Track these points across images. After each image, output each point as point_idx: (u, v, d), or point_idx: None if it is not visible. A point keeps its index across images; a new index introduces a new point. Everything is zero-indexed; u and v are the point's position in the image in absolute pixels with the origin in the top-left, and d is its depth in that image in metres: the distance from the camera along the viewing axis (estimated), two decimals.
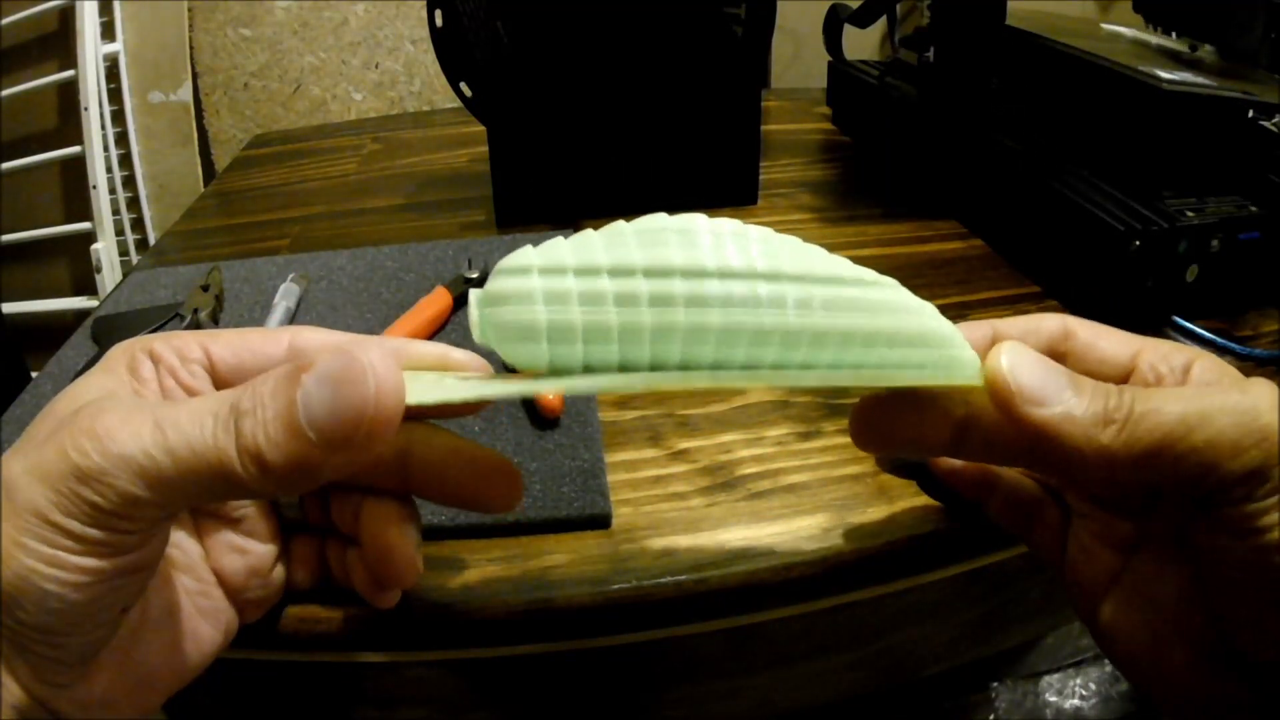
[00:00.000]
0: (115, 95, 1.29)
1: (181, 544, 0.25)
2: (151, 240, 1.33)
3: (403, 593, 0.28)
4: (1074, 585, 0.27)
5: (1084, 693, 0.53)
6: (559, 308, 0.22)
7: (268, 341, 0.25)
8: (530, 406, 0.39)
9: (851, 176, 0.69)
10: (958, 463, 0.31)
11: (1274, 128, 0.46)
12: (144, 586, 0.22)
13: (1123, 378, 0.26)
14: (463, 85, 0.58)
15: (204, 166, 1.37)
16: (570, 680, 0.35)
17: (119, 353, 0.24)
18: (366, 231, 0.62)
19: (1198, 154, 0.47)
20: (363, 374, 0.19)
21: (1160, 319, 0.46)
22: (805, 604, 0.33)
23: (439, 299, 0.48)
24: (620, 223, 0.23)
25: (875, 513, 0.33)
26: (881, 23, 0.71)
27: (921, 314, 0.25)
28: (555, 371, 0.23)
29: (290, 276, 0.51)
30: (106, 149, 1.28)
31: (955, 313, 0.26)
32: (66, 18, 1.24)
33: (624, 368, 0.23)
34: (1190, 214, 0.44)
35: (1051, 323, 0.27)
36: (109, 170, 1.28)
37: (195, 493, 0.20)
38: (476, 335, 0.23)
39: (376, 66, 1.39)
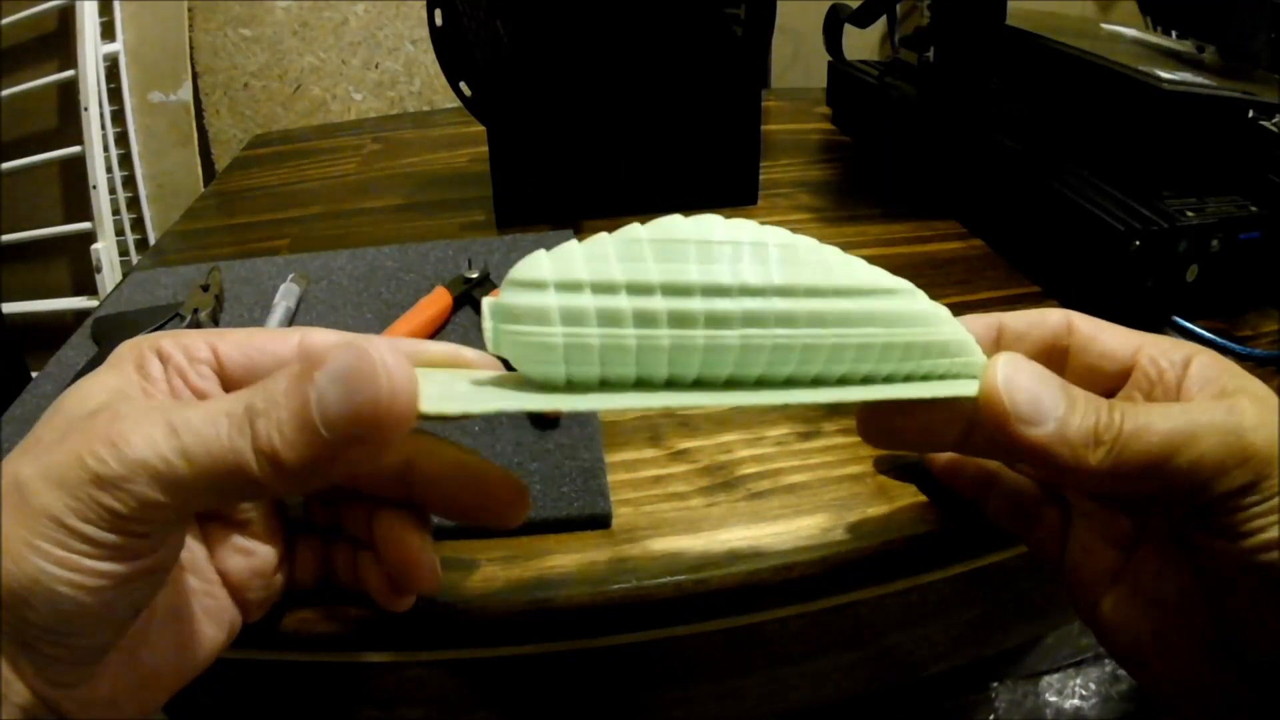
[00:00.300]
0: (115, 95, 1.29)
1: (187, 545, 0.25)
2: (151, 240, 1.33)
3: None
4: (1075, 583, 0.27)
5: (1084, 693, 0.53)
6: (576, 329, 0.22)
7: (276, 341, 0.25)
8: None
9: (851, 176, 0.69)
10: (957, 462, 0.31)
11: (1274, 128, 0.46)
12: (158, 589, 0.22)
13: (1123, 373, 0.26)
14: (462, 85, 0.58)
15: (204, 166, 1.37)
16: (570, 680, 0.35)
17: (126, 351, 0.24)
18: (366, 231, 0.62)
19: (1198, 154, 0.47)
20: (374, 368, 0.19)
21: (1160, 319, 0.46)
22: (805, 604, 0.33)
23: (439, 299, 0.48)
24: (636, 227, 0.23)
25: (875, 513, 0.33)
26: (881, 23, 0.71)
27: (937, 322, 0.25)
28: (572, 386, 0.23)
29: (290, 276, 0.51)
30: (106, 149, 1.28)
31: (955, 312, 0.26)
32: (66, 18, 1.24)
33: (640, 382, 0.23)
34: (1190, 214, 0.44)
35: (1054, 318, 0.27)
36: (109, 170, 1.28)
37: (211, 494, 0.20)
38: (490, 347, 0.23)
39: (376, 66, 1.39)
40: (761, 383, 0.24)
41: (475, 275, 0.50)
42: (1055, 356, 0.27)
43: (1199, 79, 0.47)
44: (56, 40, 1.27)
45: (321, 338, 0.26)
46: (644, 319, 0.22)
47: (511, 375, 0.25)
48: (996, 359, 0.23)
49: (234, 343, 0.25)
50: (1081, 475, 0.22)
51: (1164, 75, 0.47)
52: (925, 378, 0.25)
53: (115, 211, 1.30)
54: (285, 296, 0.49)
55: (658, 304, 0.22)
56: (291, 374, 0.20)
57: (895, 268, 0.25)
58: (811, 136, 0.80)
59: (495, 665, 0.33)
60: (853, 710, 0.42)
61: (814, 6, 0.79)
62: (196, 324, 0.48)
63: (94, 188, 1.25)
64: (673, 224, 0.23)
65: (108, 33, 1.27)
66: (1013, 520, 0.30)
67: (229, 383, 0.25)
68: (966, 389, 0.24)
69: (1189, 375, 0.24)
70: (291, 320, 0.49)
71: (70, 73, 1.23)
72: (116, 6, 1.27)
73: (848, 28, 0.71)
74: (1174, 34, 0.56)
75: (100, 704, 0.21)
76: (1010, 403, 0.23)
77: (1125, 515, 0.26)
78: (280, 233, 0.63)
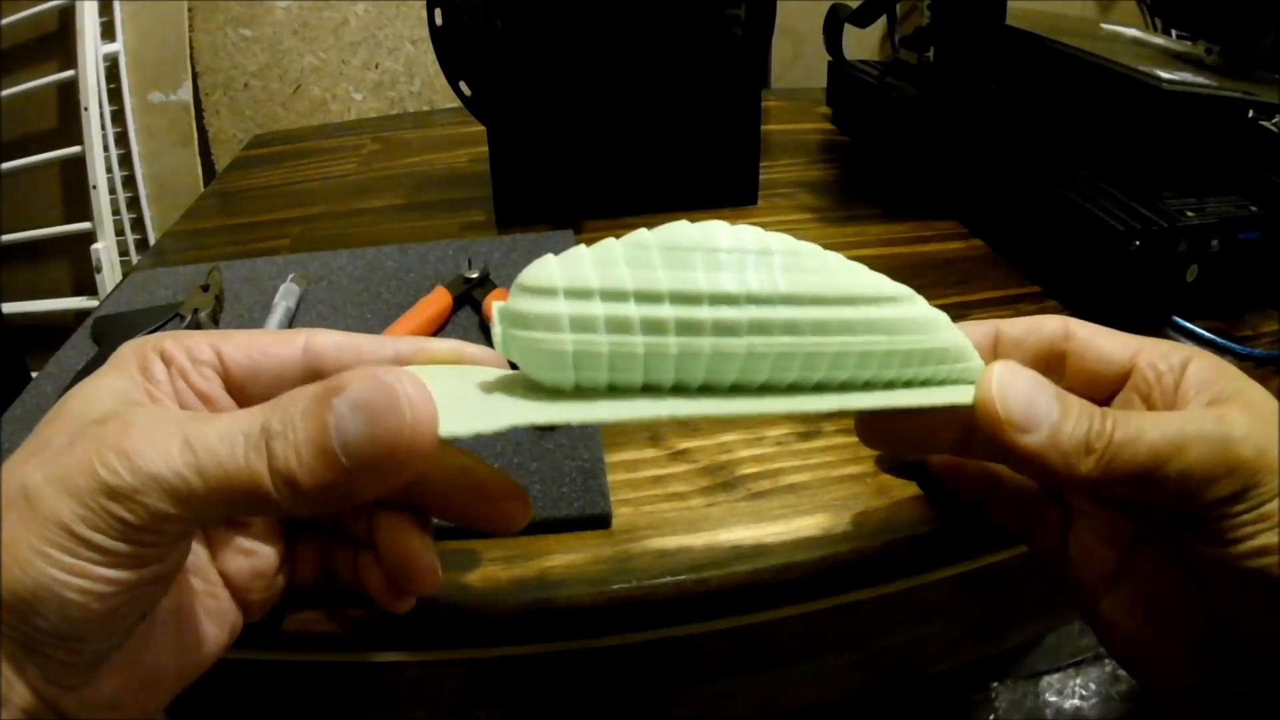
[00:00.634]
0: (115, 95, 1.29)
1: (190, 547, 0.25)
2: (151, 240, 1.33)
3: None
4: (1075, 583, 0.27)
5: (1084, 693, 0.53)
6: (586, 335, 0.22)
7: (281, 344, 0.25)
8: None
9: (851, 176, 0.69)
10: (958, 462, 0.31)
11: (1274, 128, 0.46)
12: (164, 594, 0.22)
13: (1122, 376, 0.26)
14: (462, 85, 0.58)
15: (204, 166, 1.37)
16: (570, 680, 0.35)
17: (129, 352, 0.24)
18: (366, 231, 0.62)
19: (1198, 154, 0.47)
20: (398, 402, 0.19)
21: (1160, 319, 0.46)
22: (805, 604, 0.33)
23: (439, 299, 0.48)
24: (644, 234, 0.23)
25: (875, 513, 0.33)
26: (881, 23, 0.71)
27: (936, 329, 0.25)
28: (580, 390, 0.23)
29: (290, 276, 0.51)
30: (106, 149, 1.28)
31: (955, 313, 0.26)
32: (66, 18, 1.24)
33: (647, 387, 0.23)
34: (1190, 214, 0.44)
35: (1052, 323, 0.27)
36: (109, 170, 1.28)
37: (223, 509, 0.20)
38: (499, 350, 0.23)
39: (376, 66, 1.39)
40: (766, 388, 0.24)
41: (475, 275, 0.50)
42: (1053, 362, 0.27)
43: (1199, 79, 0.47)
44: (56, 40, 1.27)
45: (326, 340, 0.26)
46: (652, 327, 0.22)
47: (517, 376, 0.25)
48: (992, 367, 0.24)
49: (238, 345, 0.25)
50: (1073, 481, 0.23)
51: (1164, 75, 0.47)
52: (925, 383, 0.26)
53: (115, 211, 1.30)
54: (285, 296, 0.49)
55: (666, 312, 0.22)
56: (309, 396, 0.20)
57: (895, 268, 0.25)
58: (811, 136, 0.80)
59: (495, 665, 0.33)
60: (853, 710, 0.42)
61: (814, 6, 0.79)
62: (196, 324, 0.48)
63: (94, 188, 1.25)
64: (680, 230, 0.23)
65: (108, 33, 1.27)
66: (1013, 520, 0.30)
67: (232, 385, 0.25)
68: (963, 396, 0.25)
69: (1186, 378, 0.24)
70: (292, 320, 0.49)
71: (70, 73, 1.23)
72: (116, 6, 1.27)
73: (848, 28, 0.71)
74: (1173, 33, 0.56)
75: (103, 705, 0.21)
76: (1004, 410, 0.23)
77: (1125, 517, 0.26)
78: (280, 233, 0.63)
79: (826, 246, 0.24)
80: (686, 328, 0.22)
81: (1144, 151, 0.48)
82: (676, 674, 0.35)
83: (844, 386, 0.25)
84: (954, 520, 0.33)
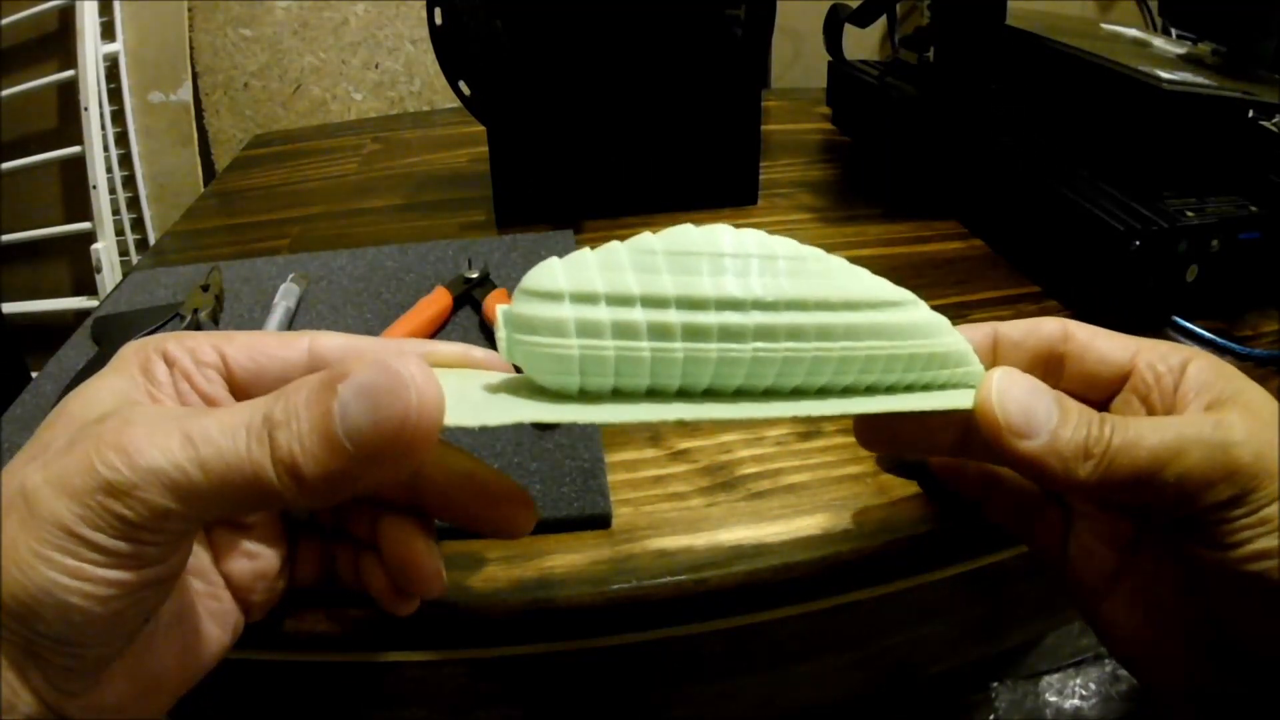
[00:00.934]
0: (115, 95, 1.29)
1: (192, 549, 0.25)
2: (151, 240, 1.33)
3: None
4: (1076, 584, 0.27)
5: (1084, 693, 0.53)
6: (592, 341, 0.22)
7: (285, 345, 0.25)
8: None
9: (851, 176, 0.69)
10: (958, 462, 0.31)
11: (1274, 128, 0.46)
12: (166, 597, 0.22)
13: (1121, 378, 0.26)
14: (462, 85, 0.58)
15: (204, 166, 1.37)
16: (570, 680, 0.35)
17: (131, 353, 0.24)
18: (366, 231, 0.62)
19: (1198, 154, 0.47)
20: (405, 385, 0.19)
21: (1160, 319, 0.46)
22: (805, 604, 0.33)
23: (439, 299, 0.48)
24: (649, 237, 0.23)
25: (875, 513, 0.33)
26: (881, 23, 0.71)
27: (938, 333, 0.25)
28: (585, 394, 0.23)
29: (290, 276, 0.51)
30: (106, 149, 1.28)
31: (955, 313, 0.27)
32: (66, 18, 1.25)
33: (652, 391, 0.23)
34: (1190, 214, 0.44)
35: (1050, 326, 0.27)
36: (109, 170, 1.28)
37: (227, 505, 0.20)
38: (503, 355, 0.23)
39: (376, 66, 1.39)
40: (770, 392, 0.24)
41: (475, 275, 0.50)
42: (1052, 363, 0.27)
43: (1199, 79, 0.47)
44: (56, 40, 1.27)
45: (330, 341, 0.25)
46: (658, 332, 0.22)
47: (522, 378, 0.25)
48: (992, 373, 0.24)
49: (241, 346, 0.25)
50: (1072, 486, 0.23)
51: (1164, 75, 0.47)
52: (926, 387, 0.26)
53: (115, 211, 1.30)
54: (285, 296, 0.49)
55: (672, 317, 0.22)
56: (313, 385, 0.20)
57: (895, 268, 0.25)
58: (811, 136, 0.80)
59: (495, 665, 0.33)
60: (853, 710, 0.42)
61: (814, 6, 0.79)
62: (196, 324, 0.48)
63: (94, 188, 1.26)
64: (685, 235, 0.23)
65: (108, 33, 1.27)
66: (1013, 520, 0.30)
67: (236, 387, 0.25)
68: (963, 400, 0.25)
69: (1185, 380, 0.24)
70: (291, 320, 0.49)
71: (70, 73, 1.23)
72: (116, 6, 1.27)
73: (848, 27, 0.71)
74: (1174, 33, 0.56)
75: (107, 710, 0.21)
76: (1003, 416, 0.23)
77: (1125, 518, 0.26)
78: (280, 233, 0.63)
79: (826, 247, 0.24)
80: (692, 333, 0.22)
81: (1144, 151, 0.47)
82: (676, 674, 0.35)
83: (847, 390, 0.25)
84: (954, 520, 0.33)
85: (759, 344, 0.23)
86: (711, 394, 0.24)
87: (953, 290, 0.50)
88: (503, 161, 0.60)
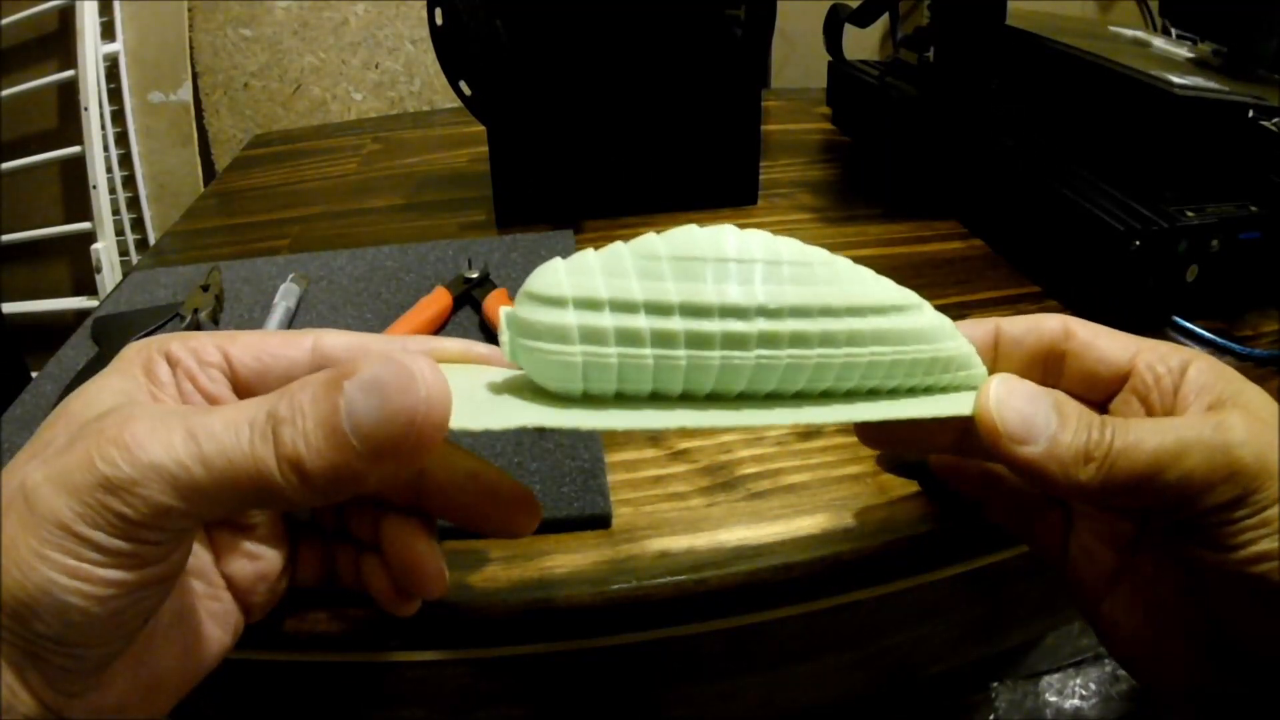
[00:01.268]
0: (115, 95, 1.29)
1: (193, 549, 0.25)
2: (151, 240, 1.33)
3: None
4: (1076, 584, 0.27)
5: (1084, 693, 0.53)
6: (595, 348, 0.22)
7: (289, 345, 0.25)
8: None
9: (851, 176, 0.69)
10: (958, 462, 0.31)
11: (1274, 128, 0.46)
12: (165, 597, 0.22)
13: (1121, 378, 0.26)
14: (462, 85, 0.57)
15: (204, 166, 1.37)
16: (570, 680, 0.35)
17: (133, 354, 0.23)
18: (366, 231, 0.62)
19: (1204, 157, 0.47)
20: (415, 381, 0.19)
21: (1160, 319, 0.46)
22: (805, 604, 0.33)
23: (439, 299, 0.48)
24: (653, 240, 0.23)
25: (875, 513, 0.33)
26: (881, 23, 0.71)
27: (941, 337, 0.25)
28: (588, 398, 0.23)
29: (290, 276, 0.51)
30: (106, 149, 1.28)
31: (955, 312, 0.27)
32: (66, 18, 1.24)
33: (655, 394, 0.23)
34: (1190, 214, 0.44)
35: (1052, 323, 0.27)
36: (109, 170, 1.28)
37: (229, 502, 0.20)
38: (507, 357, 0.23)
39: (376, 66, 1.39)
40: (772, 397, 0.24)
41: (475, 275, 0.50)
42: (1052, 362, 0.27)
43: (1210, 83, 0.47)
44: (56, 40, 1.27)
45: (335, 340, 0.25)
46: (662, 339, 0.22)
47: (525, 376, 0.25)
48: (991, 380, 0.24)
49: (245, 346, 0.25)
50: (1073, 490, 0.23)
51: (1175, 80, 0.47)
52: (928, 390, 0.26)
53: (115, 211, 1.30)
54: (285, 296, 0.49)
55: (676, 324, 0.22)
56: (319, 381, 0.20)
57: (895, 268, 0.25)
58: (811, 136, 0.80)
59: (496, 665, 0.33)
60: (853, 710, 0.42)
61: (805, 7, 0.79)
62: (196, 324, 0.48)
63: (94, 188, 1.25)
64: (690, 238, 0.23)
65: (108, 33, 1.27)
66: (1014, 521, 0.30)
67: (240, 387, 0.25)
68: (964, 405, 0.25)
69: (1186, 381, 0.24)
70: (292, 320, 0.49)
71: (70, 73, 1.23)
72: (116, 6, 1.27)
73: (848, 28, 0.71)
74: (1174, 34, 0.56)
75: (107, 710, 0.21)
76: (1002, 423, 0.23)
77: (1125, 519, 0.26)
78: (280, 233, 0.63)
79: (826, 247, 0.24)
80: (696, 341, 0.22)
81: (1152, 154, 0.47)
82: (676, 674, 0.35)
83: (849, 395, 0.25)
84: (954, 520, 0.33)
85: (762, 351, 0.23)
86: (714, 398, 0.24)
87: (953, 290, 0.50)
88: (503, 161, 0.60)
